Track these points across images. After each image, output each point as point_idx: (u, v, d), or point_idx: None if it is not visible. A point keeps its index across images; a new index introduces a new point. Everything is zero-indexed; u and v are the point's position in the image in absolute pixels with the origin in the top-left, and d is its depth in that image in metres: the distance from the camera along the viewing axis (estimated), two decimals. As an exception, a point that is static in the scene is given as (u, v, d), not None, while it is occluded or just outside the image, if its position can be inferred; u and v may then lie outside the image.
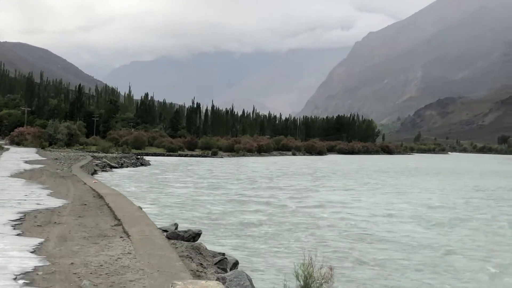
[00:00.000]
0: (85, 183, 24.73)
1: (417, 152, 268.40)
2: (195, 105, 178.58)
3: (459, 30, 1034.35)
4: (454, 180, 62.30)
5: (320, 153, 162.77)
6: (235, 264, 12.96)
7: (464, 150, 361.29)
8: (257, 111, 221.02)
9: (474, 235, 22.29)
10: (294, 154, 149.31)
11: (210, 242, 17.00)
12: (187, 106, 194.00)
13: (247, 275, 9.71)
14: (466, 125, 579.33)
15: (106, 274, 8.06)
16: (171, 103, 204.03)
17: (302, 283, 7.08)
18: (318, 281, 7.03)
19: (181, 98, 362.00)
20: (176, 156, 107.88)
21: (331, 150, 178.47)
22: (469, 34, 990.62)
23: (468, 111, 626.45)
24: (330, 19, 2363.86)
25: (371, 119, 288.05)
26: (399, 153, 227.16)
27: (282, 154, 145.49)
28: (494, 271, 16.03)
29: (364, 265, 15.99)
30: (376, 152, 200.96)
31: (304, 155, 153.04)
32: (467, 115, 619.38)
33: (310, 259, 7.00)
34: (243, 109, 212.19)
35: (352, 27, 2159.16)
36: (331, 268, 7.13)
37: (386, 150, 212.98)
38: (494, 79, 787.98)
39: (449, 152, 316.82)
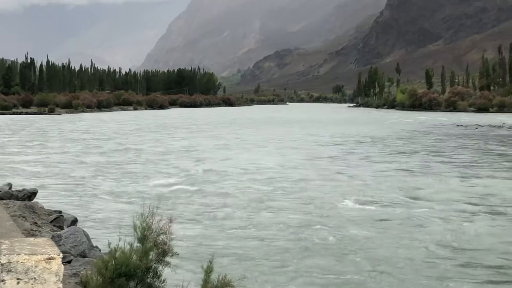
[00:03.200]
0: None
1: (257, 103, 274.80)
2: (28, 61, 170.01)
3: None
4: (300, 129, 64.67)
5: (162, 107, 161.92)
6: (74, 221, 12.67)
7: (301, 100, 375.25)
8: (96, 66, 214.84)
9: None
10: (135, 109, 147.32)
11: (50, 202, 16.47)
12: (20, 61, 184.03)
13: (83, 231, 9.50)
14: (303, 76, 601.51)
15: None
16: (2, 59, 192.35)
17: (139, 234, 7.02)
18: (156, 232, 7.01)
19: (13, 53, 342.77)
20: (10, 114, 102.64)
21: (173, 103, 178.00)
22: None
23: (304, 62, 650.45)
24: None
25: (212, 72, 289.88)
26: (239, 105, 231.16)
27: (123, 109, 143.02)
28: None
29: (211, 221, 16.22)
30: (217, 104, 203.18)
31: (146, 109, 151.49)
32: (304, 66, 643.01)
33: (149, 211, 6.95)
34: (81, 64, 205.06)
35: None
36: (170, 220, 7.14)
37: (228, 102, 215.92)
38: (328, 30, 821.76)
39: (287, 103, 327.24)
